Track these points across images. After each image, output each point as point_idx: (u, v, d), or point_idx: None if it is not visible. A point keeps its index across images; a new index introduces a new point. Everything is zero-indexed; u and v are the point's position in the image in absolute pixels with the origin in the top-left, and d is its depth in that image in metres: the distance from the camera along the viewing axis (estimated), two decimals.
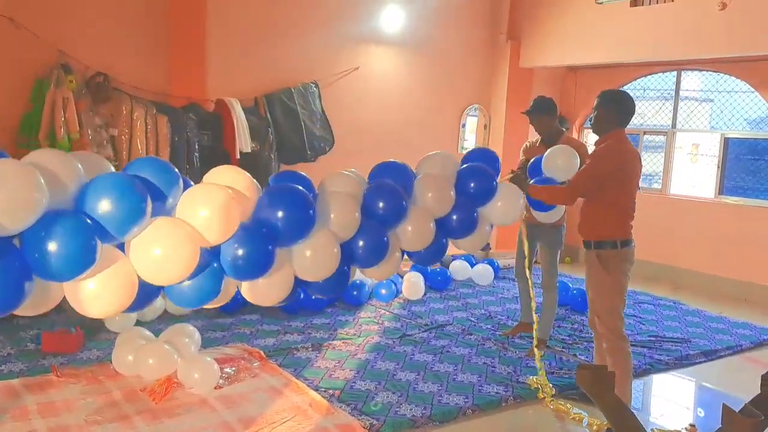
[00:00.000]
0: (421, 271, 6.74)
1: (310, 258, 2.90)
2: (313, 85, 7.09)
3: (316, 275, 2.99)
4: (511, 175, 3.96)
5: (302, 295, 5.62)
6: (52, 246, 1.99)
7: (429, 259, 3.67)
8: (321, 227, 2.93)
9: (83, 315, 2.29)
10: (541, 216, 4.22)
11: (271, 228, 2.70)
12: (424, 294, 6.43)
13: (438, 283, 6.77)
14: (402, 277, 6.51)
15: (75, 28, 5.81)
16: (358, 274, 6.17)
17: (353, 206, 3.10)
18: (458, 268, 7.30)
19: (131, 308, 2.39)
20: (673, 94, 8.11)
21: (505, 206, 3.77)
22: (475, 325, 5.60)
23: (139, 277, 2.28)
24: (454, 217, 3.56)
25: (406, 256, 3.64)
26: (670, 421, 3.93)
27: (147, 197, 2.21)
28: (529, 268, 4.39)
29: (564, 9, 8.00)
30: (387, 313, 5.84)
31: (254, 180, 2.81)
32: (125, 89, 6.00)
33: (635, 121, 8.46)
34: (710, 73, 7.80)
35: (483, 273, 7.18)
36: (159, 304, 5.29)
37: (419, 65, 8.01)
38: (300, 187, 2.89)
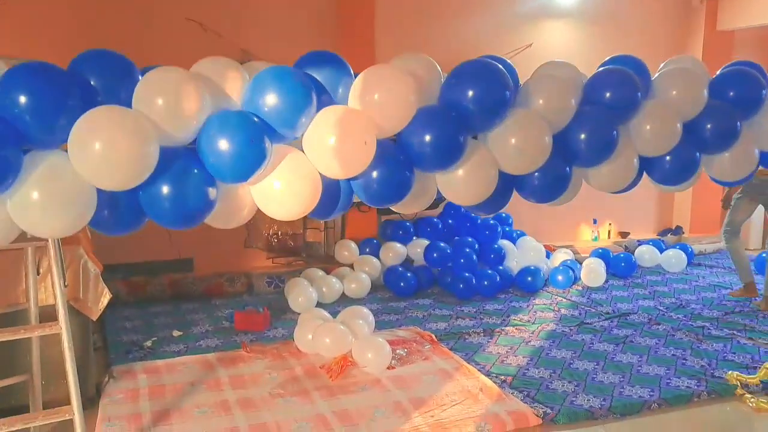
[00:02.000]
0: (603, 256, 6.34)
1: (513, 145, 2.44)
2: None
3: (522, 166, 2.51)
4: None
5: (474, 281, 5.56)
6: (221, 146, 2.00)
7: (674, 174, 2.90)
8: (524, 110, 2.49)
9: (276, 217, 2.26)
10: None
11: (460, 110, 2.35)
12: (606, 281, 6.04)
13: (621, 269, 6.32)
14: (581, 263, 6.18)
15: (255, 28, 6.21)
16: (533, 260, 6.00)
17: (566, 88, 2.58)
18: (645, 254, 6.77)
19: (320, 210, 2.29)
20: None
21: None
22: (663, 314, 5.14)
23: (321, 174, 2.20)
24: (709, 124, 2.81)
25: None
26: None
27: (311, 88, 2.11)
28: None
29: None
30: (564, 300, 5.57)
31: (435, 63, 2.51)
32: None
33: None
34: None
35: (674, 259, 6.57)
36: (338, 287, 5.54)
37: (599, 38, 7.49)
38: (491, 61, 2.49)
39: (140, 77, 2.09)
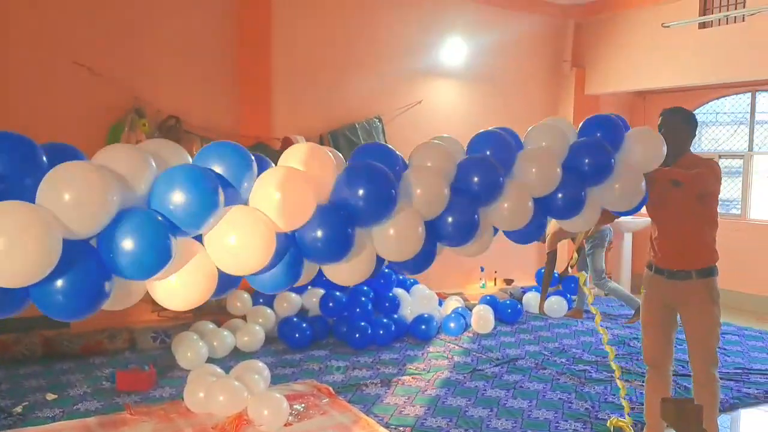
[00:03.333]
0: (491, 303, 6.57)
1: (393, 238, 2.60)
2: (377, 120, 7.13)
3: (400, 255, 2.68)
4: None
5: (370, 330, 5.57)
6: (126, 245, 1.96)
7: (526, 237, 3.13)
8: (405, 205, 2.66)
9: (168, 308, 2.24)
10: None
11: (350, 209, 2.48)
12: (494, 327, 6.25)
13: (508, 315, 6.58)
14: (471, 310, 6.37)
15: (148, 73, 6.06)
16: (426, 308, 6.10)
17: (440, 182, 2.74)
18: (530, 301, 7.08)
19: (215, 295, 2.31)
20: (749, 117, 7.74)
21: (623, 189, 3.11)
22: (548, 359, 5.38)
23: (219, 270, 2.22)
24: (560, 195, 3.01)
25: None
26: None
27: (218, 187, 2.12)
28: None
29: (629, 34, 7.82)
30: (456, 347, 5.70)
31: (333, 156, 2.61)
32: (195, 131, 6.19)
33: (710, 146, 8.16)
34: None
35: (556, 305, 6.91)
36: (229, 341, 5.35)
37: (483, 96, 7.96)
38: (379, 165, 2.61)
39: (45, 163, 2.02)
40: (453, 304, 6.53)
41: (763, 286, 7.34)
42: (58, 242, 1.87)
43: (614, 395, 4.51)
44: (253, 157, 2.37)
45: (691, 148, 3.46)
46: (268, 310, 5.82)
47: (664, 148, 3.19)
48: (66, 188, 1.91)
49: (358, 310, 5.83)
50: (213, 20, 6.37)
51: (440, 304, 6.54)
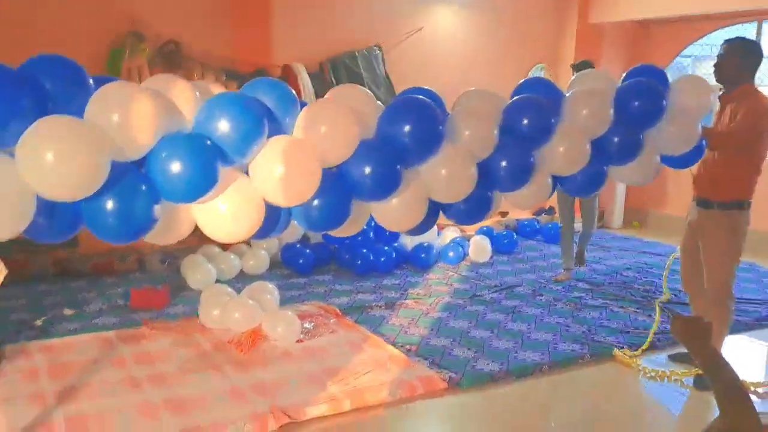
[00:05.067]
0: (487, 234, 6.74)
1: (444, 177, 2.60)
2: (377, 49, 7.09)
3: (451, 195, 2.67)
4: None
5: (372, 257, 5.72)
6: (173, 167, 2.01)
7: (584, 187, 3.10)
8: (453, 144, 2.65)
9: (217, 240, 2.29)
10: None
11: (396, 144, 2.48)
12: (491, 257, 6.44)
13: (504, 246, 6.76)
14: (468, 240, 6.53)
15: None
16: (425, 237, 6.25)
17: (489, 121, 2.73)
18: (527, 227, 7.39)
19: (260, 233, 2.32)
20: None
21: (678, 132, 3.11)
22: (544, 286, 5.59)
23: (264, 200, 2.24)
24: (614, 139, 2.98)
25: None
26: (750, 378, 3.87)
27: (264, 116, 2.16)
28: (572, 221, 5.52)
29: None
30: (455, 275, 5.88)
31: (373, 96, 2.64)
32: (196, 56, 6.13)
33: (712, 78, 8.16)
34: None
35: (549, 235, 7.11)
36: (236, 264, 5.49)
37: (483, 24, 7.90)
38: (425, 99, 2.63)
39: (92, 86, 2.05)
40: (451, 234, 6.69)
41: (755, 221, 7.53)
42: (106, 157, 1.93)
43: (609, 320, 4.73)
44: (295, 94, 2.42)
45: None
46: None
47: (713, 96, 3.23)
48: (115, 107, 1.97)
49: (359, 237, 5.96)
50: None
51: (438, 234, 6.70)
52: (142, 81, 5.43)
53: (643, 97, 3.03)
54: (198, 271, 5.13)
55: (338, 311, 4.67)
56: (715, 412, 1.97)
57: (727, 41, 3.60)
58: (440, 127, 2.57)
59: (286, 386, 3.45)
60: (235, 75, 6.19)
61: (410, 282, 5.60)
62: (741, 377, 3.72)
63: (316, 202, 2.38)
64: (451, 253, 6.23)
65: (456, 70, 7.70)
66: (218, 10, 6.33)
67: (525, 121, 2.80)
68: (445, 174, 2.61)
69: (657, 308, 4.41)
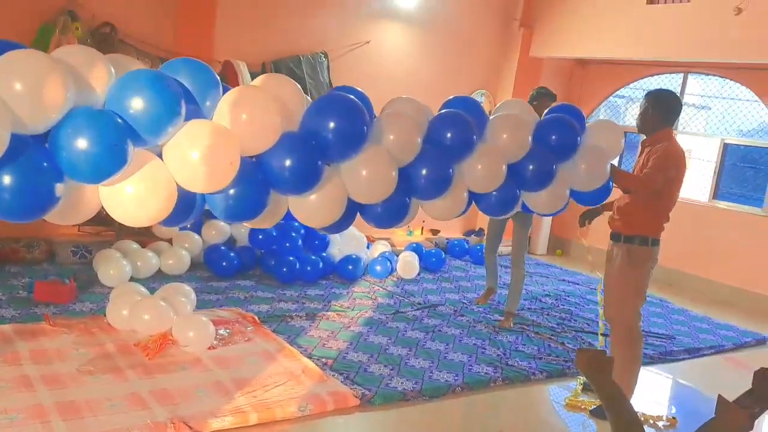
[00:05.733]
0: (417, 251, 6.75)
1: (364, 176, 2.62)
2: (323, 56, 7.02)
3: (370, 196, 2.69)
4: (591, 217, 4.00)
5: (298, 265, 5.62)
6: (80, 144, 1.88)
7: (498, 208, 3.23)
8: (377, 145, 2.69)
9: (122, 223, 2.16)
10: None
11: (319, 139, 2.46)
12: (418, 274, 6.44)
13: (432, 264, 6.78)
14: (398, 255, 6.52)
15: None
16: (354, 249, 6.20)
17: (414, 128, 2.79)
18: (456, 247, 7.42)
19: (171, 219, 2.23)
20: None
21: (589, 169, 3.32)
22: (466, 307, 5.62)
23: (178, 185, 2.15)
24: (531, 166, 3.15)
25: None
26: (651, 411, 3.98)
27: (181, 97, 2.06)
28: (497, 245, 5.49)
29: (580, 0, 7.96)
30: (381, 289, 5.85)
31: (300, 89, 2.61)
32: (132, 42, 5.91)
33: (634, 122, 8.51)
34: (712, 78, 7.81)
35: (477, 257, 7.19)
36: (154, 262, 5.28)
37: (430, 44, 7.96)
38: (352, 97, 2.64)
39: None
40: (380, 248, 6.66)
41: (668, 259, 7.85)
42: (4, 129, 1.78)
43: (524, 345, 4.79)
44: (218, 78, 2.33)
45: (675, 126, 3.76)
46: (196, 236, 5.77)
47: (622, 141, 3.52)
48: (18, 76, 1.83)
49: (287, 244, 5.86)
50: None
51: (368, 247, 6.66)
52: None
53: (561, 132, 3.24)
54: (111, 267, 4.89)
55: (256, 319, 4.55)
56: None
57: (647, 93, 3.81)
58: (364, 127, 2.57)
59: (192, 395, 3.31)
60: None
61: (334, 294, 5.52)
62: (643, 410, 3.83)
63: (232, 191, 2.31)
64: (378, 267, 6.19)
65: (400, 86, 7.68)
66: None
67: (449, 134, 2.91)
68: (366, 174, 2.63)
69: (600, 338, 4.45)
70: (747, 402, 2.15)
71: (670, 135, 3.75)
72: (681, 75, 8.06)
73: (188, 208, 2.30)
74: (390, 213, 2.87)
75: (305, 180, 2.45)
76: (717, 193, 7.73)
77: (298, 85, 2.58)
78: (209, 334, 3.91)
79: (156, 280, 5.11)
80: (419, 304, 5.53)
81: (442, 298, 5.80)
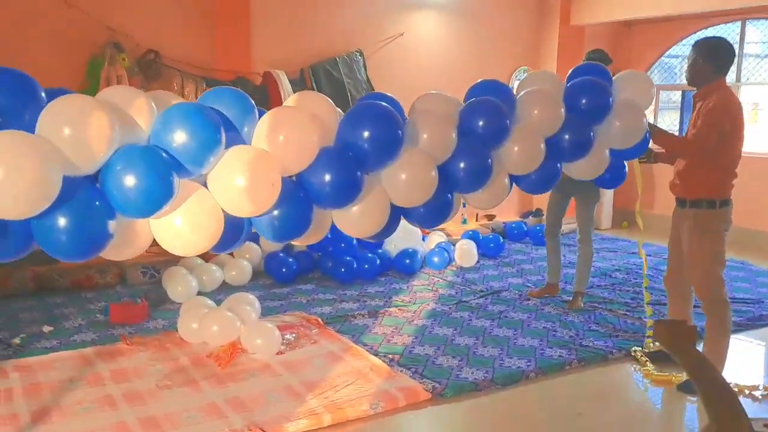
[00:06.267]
0: (473, 238, 6.69)
1: (404, 181, 2.62)
2: (358, 54, 7.04)
3: (412, 199, 2.69)
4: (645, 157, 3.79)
5: (355, 265, 5.66)
6: (128, 181, 1.96)
7: (540, 185, 3.20)
8: (413, 148, 2.68)
9: (176, 253, 2.24)
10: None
11: (356, 150, 2.49)
12: (477, 261, 6.38)
13: (491, 249, 6.71)
14: (454, 244, 6.48)
15: (123, 6, 5.90)
16: (410, 242, 6.19)
17: (447, 124, 2.79)
18: (514, 230, 7.39)
19: (221, 246, 2.30)
20: (737, 47, 7.75)
21: (625, 126, 3.23)
22: (532, 290, 5.53)
23: (224, 211, 2.22)
24: (566, 136, 3.10)
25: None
26: (745, 381, 3.81)
27: (220, 126, 2.12)
28: (559, 226, 5.08)
29: None
30: (440, 280, 5.82)
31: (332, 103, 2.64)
32: (175, 65, 6.08)
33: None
34: None
35: (537, 238, 7.07)
36: (218, 275, 5.41)
37: (465, 28, 7.86)
38: (383, 104, 2.66)
39: (44, 98, 1.99)
40: (436, 238, 6.63)
41: (745, 219, 7.51)
42: (56, 173, 1.87)
43: (598, 323, 4.68)
44: (253, 102, 2.39)
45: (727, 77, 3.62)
46: (254, 246, 5.88)
47: (653, 90, 3.37)
48: (66, 121, 1.91)
49: (342, 245, 5.90)
50: None
51: (423, 239, 6.64)
52: None
53: (591, 95, 3.15)
54: (179, 284, 5.05)
55: (320, 321, 4.60)
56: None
57: (695, 43, 3.63)
58: (399, 132, 2.57)
59: (264, 401, 3.38)
60: (216, 83, 6.12)
61: (394, 289, 5.53)
62: (736, 380, 3.67)
63: (276, 212, 2.35)
64: (436, 259, 6.17)
65: (438, 75, 7.65)
66: (197, 18, 6.28)
67: (481, 122, 2.86)
68: (405, 178, 2.62)
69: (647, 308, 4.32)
70: None
71: (723, 85, 3.56)
72: (738, 23, 7.66)
73: (236, 233, 2.37)
74: (434, 212, 2.87)
75: (346, 193, 2.47)
76: None
77: (330, 100, 2.61)
78: (276, 339, 3.99)
79: (222, 291, 5.24)
80: (481, 291, 5.47)
81: (505, 284, 5.73)
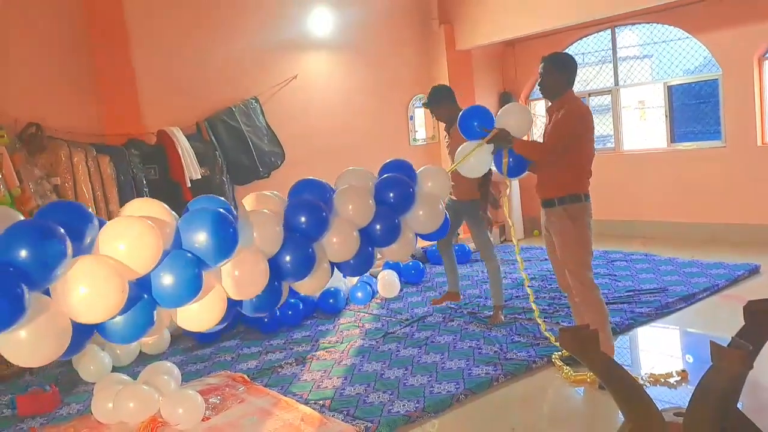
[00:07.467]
0: (394, 267, 6.70)
1: (239, 277, 2.97)
2: (254, 101, 6.98)
3: (247, 293, 3.05)
4: (495, 131, 3.94)
5: (279, 313, 5.54)
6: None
7: (358, 268, 3.69)
8: (245, 245, 3.01)
9: (19, 365, 2.40)
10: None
11: (195, 251, 2.79)
12: (401, 290, 6.38)
13: (413, 276, 6.74)
14: (376, 277, 6.46)
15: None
16: (332, 282, 6.12)
17: (275, 221, 3.19)
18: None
19: (68, 353, 2.47)
20: (611, 54, 8.23)
21: (427, 214, 3.80)
22: (455, 311, 5.57)
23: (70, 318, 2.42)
24: (377, 226, 3.62)
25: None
26: (662, 369, 3.94)
27: (66, 238, 2.30)
28: (450, 242, 5.41)
29: None
30: (366, 315, 5.78)
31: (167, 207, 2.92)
32: (60, 136, 5.81)
33: (578, 86, 8.61)
34: (644, 25, 7.92)
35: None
36: (133, 346, 5.15)
37: (356, 65, 7.96)
38: (219, 209, 2.94)
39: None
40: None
41: (644, 212, 7.91)
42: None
43: (519, 335, 4.75)
44: (92, 211, 2.70)
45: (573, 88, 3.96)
46: None
47: (449, 183, 4.01)
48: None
49: None
50: (60, 18, 5.96)
51: (344, 276, 6.56)
52: (3, 169, 5.24)
53: (398, 188, 3.72)
54: (90, 362, 4.76)
55: (246, 378, 4.44)
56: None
57: (545, 58, 3.92)
58: (231, 230, 2.89)
59: None
60: (107, 149, 5.92)
61: (321, 331, 5.44)
62: (651, 370, 3.80)
63: (120, 318, 2.60)
64: (359, 294, 6.13)
65: (337, 111, 7.70)
66: (79, 85, 6.04)
67: (303, 219, 3.35)
68: (239, 274, 3.01)
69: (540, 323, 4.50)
70: (739, 342, 2.12)
71: (573, 96, 3.89)
72: (609, 31, 8.16)
73: (82, 338, 2.56)
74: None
75: (189, 290, 2.74)
76: (674, 136, 7.81)
77: (165, 205, 2.89)
78: (199, 406, 3.80)
79: (139, 363, 4.98)
80: (407, 320, 5.46)
81: (429, 309, 5.75)
